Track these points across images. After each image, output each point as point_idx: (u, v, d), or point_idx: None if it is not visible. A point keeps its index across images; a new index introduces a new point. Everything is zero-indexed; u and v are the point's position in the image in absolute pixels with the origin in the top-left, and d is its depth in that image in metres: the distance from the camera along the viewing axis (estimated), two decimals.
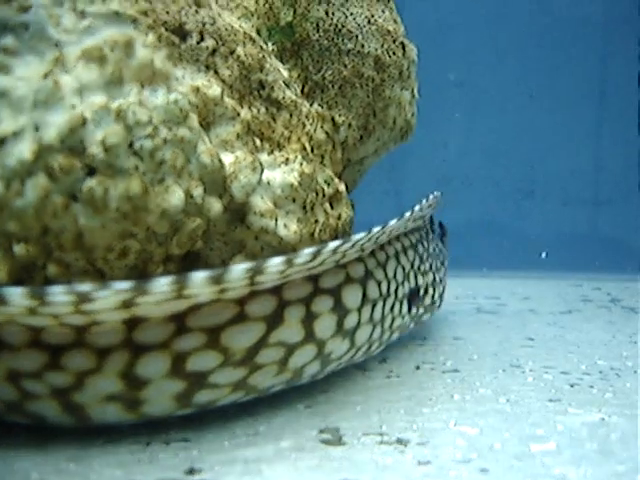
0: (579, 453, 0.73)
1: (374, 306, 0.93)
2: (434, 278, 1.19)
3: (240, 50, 0.91)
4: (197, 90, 0.85)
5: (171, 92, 0.82)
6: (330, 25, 1.06)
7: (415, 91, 1.17)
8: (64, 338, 0.71)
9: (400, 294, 1.01)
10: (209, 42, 0.89)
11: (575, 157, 2.43)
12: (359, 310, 0.90)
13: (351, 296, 0.88)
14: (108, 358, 0.72)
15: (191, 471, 0.69)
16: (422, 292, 1.12)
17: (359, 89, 1.08)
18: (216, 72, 0.89)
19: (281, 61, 1.03)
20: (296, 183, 0.88)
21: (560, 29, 2.49)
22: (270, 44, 1.03)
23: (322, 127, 1.00)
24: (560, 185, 2.46)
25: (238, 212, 0.85)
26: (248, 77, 0.92)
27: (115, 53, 0.80)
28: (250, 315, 0.77)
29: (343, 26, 1.07)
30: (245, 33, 0.94)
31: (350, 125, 1.07)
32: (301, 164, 0.90)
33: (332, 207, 0.95)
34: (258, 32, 1.02)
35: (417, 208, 0.97)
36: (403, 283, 1.02)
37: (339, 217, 0.97)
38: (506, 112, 2.45)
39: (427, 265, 1.15)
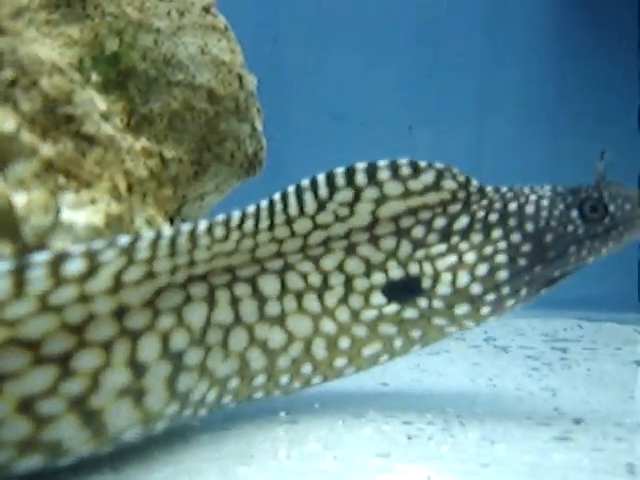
0: None
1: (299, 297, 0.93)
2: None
3: (45, 82, 0.84)
4: None
5: None
6: (159, 55, 0.99)
7: (257, 124, 1.11)
8: (66, 345, 0.68)
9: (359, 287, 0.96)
10: (8, 73, 0.82)
11: None
12: (280, 299, 0.91)
13: (268, 286, 0.90)
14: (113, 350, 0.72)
15: None
16: (428, 282, 0.97)
17: (190, 122, 1.01)
18: (15, 105, 0.82)
19: (105, 92, 0.96)
20: (101, 225, 0.81)
21: (443, 57, 2.50)
22: (94, 74, 0.96)
23: (145, 163, 0.94)
24: None
25: None
26: (53, 110, 0.85)
27: None
28: (195, 297, 0.81)
29: (173, 56, 1.00)
30: (53, 64, 0.86)
31: (181, 160, 1.00)
32: (108, 204, 0.83)
33: None
34: (82, 62, 0.95)
35: None
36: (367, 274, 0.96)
37: None
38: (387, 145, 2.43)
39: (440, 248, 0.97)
